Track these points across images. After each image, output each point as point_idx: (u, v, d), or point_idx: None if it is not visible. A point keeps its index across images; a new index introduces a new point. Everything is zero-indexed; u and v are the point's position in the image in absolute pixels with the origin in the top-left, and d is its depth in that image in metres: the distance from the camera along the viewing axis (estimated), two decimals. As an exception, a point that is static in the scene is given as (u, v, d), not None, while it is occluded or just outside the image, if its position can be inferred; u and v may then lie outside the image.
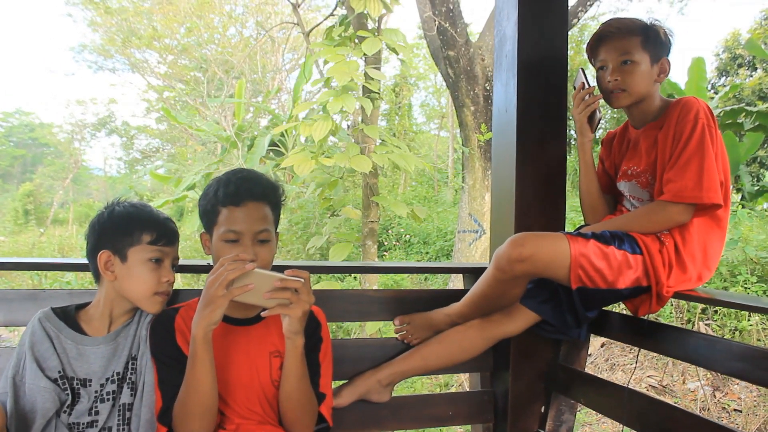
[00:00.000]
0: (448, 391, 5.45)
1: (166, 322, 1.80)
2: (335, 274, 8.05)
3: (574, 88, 2.27)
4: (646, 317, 2.07)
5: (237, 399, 1.78)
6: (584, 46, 2.33)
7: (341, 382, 2.29)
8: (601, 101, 2.24)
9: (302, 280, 1.59)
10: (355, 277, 8.11)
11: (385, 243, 11.66)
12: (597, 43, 2.19)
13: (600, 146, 2.48)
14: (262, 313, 1.60)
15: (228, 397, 1.77)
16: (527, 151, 2.37)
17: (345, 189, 11.60)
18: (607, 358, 6.55)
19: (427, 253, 11.28)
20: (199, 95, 19.84)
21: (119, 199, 1.86)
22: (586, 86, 2.21)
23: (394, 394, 2.34)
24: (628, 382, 5.78)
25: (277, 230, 1.87)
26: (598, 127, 2.28)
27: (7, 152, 30.78)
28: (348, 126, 7.28)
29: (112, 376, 1.75)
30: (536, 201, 2.38)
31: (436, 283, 9.58)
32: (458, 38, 6.99)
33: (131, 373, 1.77)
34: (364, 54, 4.97)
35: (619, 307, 4.46)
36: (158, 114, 24.04)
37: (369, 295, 2.42)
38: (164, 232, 1.79)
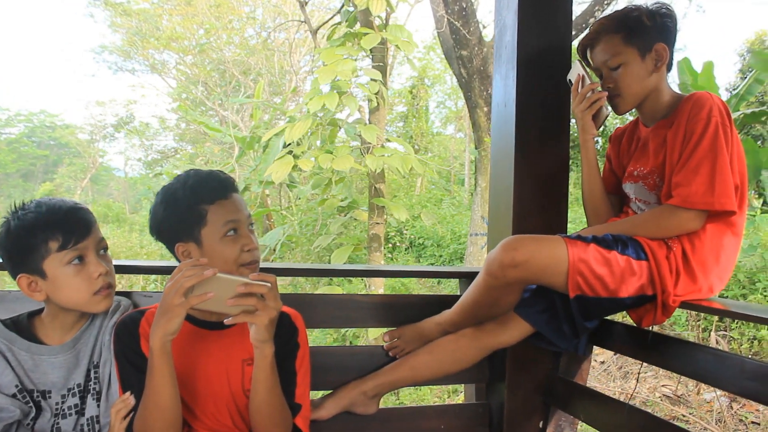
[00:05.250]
0: (440, 403, 5.32)
1: (131, 327, 1.67)
2: (340, 278, 7.97)
3: (570, 83, 2.11)
4: (651, 328, 1.91)
5: (206, 410, 1.67)
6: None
7: (326, 393, 2.17)
8: None
9: (268, 284, 1.47)
10: (362, 281, 7.99)
11: (399, 245, 11.53)
12: (584, 53, 2.07)
13: (608, 143, 2.33)
14: (226, 321, 1.47)
15: (196, 408, 1.66)
16: (527, 149, 2.22)
17: (359, 191, 11.52)
18: (620, 366, 6.39)
19: (440, 256, 11.15)
20: (218, 97, 19.90)
21: (17, 208, 1.64)
22: (587, 80, 2.06)
23: (382, 405, 2.21)
24: (631, 395, 5.63)
25: None
26: (605, 123, 2.13)
27: (30, 152, 31.04)
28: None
29: (74, 388, 1.65)
30: (536, 202, 2.23)
31: (449, 286, 9.43)
32: (471, 37, 6.85)
33: (94, 383, 1.67)
34: (371, 54, 4.87)
35: (623, 317, 4.31)
36: (177, 115, 24.15)
37: (357, 300, 2.28)
38: (70, 230, 1.61)
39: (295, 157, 5.08)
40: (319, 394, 2.21)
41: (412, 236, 12.04)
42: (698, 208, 1.80)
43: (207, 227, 1.64)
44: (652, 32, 1.96)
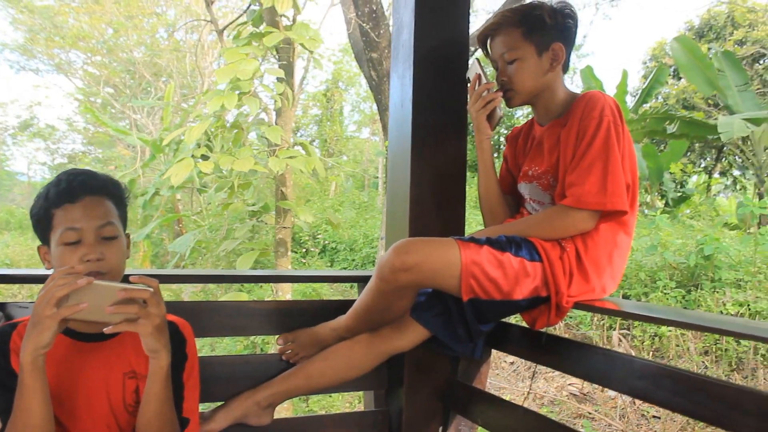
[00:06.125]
0: (337, 412, 5.27)
1: (0, 342, 1.54)
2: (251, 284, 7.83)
3: (468, 81, 2.09)
4: (545, 330, 1.89)
5: (82, 428, 1.54)
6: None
7: (217, 404, 2.06)
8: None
9: (151, 289, 1.38)
10: (271, 287, 7.87)
11: (313, 250, 11.43)
12: (483, 42, 2.05)
13: (505, 143, 2.31)
14: (105, 330, 1.36)
15: (72, 427, 1.53)
16: (424, 149, 2.18)
17: (274, 195, 11.34)
18: (529, 366, 6.49)
19: (353, 260, 11.10)
20: (127, 99, 19.32)
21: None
22: (483, 80, 2.03)
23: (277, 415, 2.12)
24: (525, 396, 5.72)
25: (127, 231, 1.64)
26: (499, 124, 2.11)
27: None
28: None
29: None
30: (433, 203, 2.19)
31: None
32: (380, 40, 6.82)
33: None
34: (277, 54, 4.77)
35: (520, 319, 4.36)
36: (86, 117, 23.28)
37: (250, 307, 2.18)
38: None
39: (205, 158, 4.94)
40: (211, 406, 2.11)
41: (325, 241, 11.95)
42: (591, 208, 1.79)
43: (53, 232, 1.53)
44: (552, 31, 1.95)
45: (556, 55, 1.95)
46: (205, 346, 8.25)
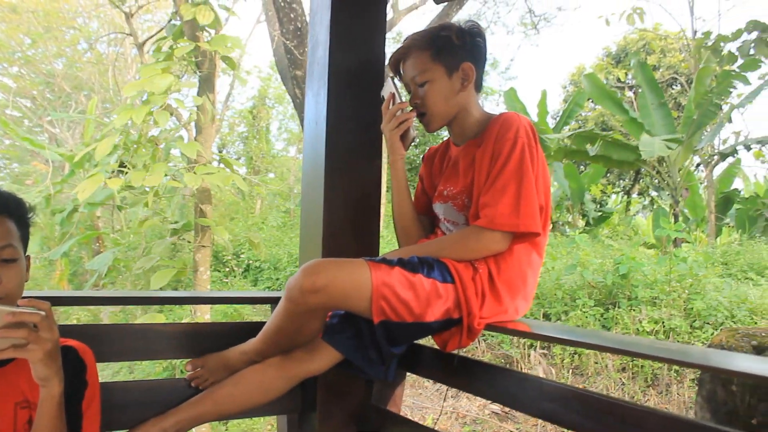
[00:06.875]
0: None
1: None
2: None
3: (383, 99, 2.06)
4: (456, 352, 1.87)
5: None
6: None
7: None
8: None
9: (42, 312, 1.28)
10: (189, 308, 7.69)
11: (236, 269, 11.22)
12: (396, 67, 2.04)
13: (422, 163, 2.30)
14: None
15: None
16: (338, 168, 2.14)
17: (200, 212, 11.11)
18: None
19: (277, 279, 10.96)
20: (45, 112, 18.69)
21: None
22: (398, 99, 2.01)
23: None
24: (437, 420, 5.72)
25: (27, 253, 1.54)
26: (413, 144, 2.09)
27: None
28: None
29: None
30: (347, 224, 2.15)
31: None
32: (303, 58, 6.78)
33: None
34: (198, 70, 4.67)
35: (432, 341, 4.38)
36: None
37: (157, 329, 2.09)
38: None
39: (119, 173, 4.79)
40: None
41: (249, 260, 11.76)
42: (504, 229, 1.79)
43: None
44: (461, 51, 1.95)
45: (466, 74, 1.95)
46: (122, 369, 8.00)
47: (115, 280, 8.63)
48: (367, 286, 1.72)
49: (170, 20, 5.65)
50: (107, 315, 9.34)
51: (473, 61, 1.97)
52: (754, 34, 6.59)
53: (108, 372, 7.77)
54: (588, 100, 16.48)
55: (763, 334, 3.19)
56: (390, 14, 11.34)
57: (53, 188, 6.71)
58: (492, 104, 22.02)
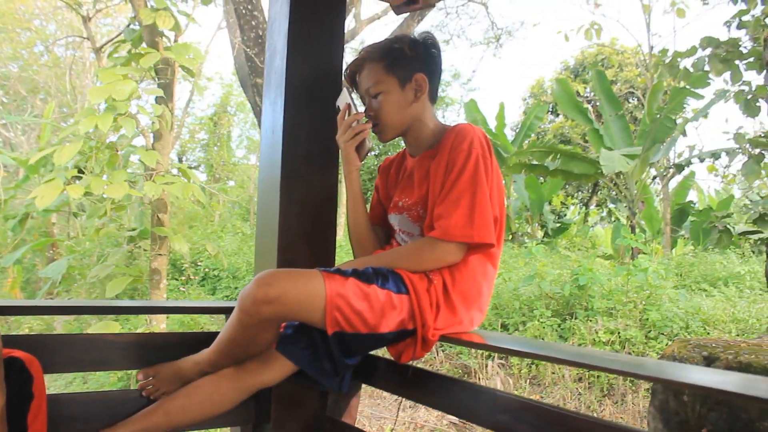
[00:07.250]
0: None
1: None
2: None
3: (338, 109, 2.06)
4: (411, 364, 1.87)
5: None
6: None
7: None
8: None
9: None
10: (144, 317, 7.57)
11: (193, 278, 11.09)
12: (352, 79, 2.06)
13: (377, 173, 2.30)
14: None
15: None
16: (293, 178, 2.13)
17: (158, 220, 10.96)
18: (410, 396, 6.46)
19: (236, 288, 10.84)
20: (0, 115, 18.33)
21: None
22: (353, 110, 2.01)
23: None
24: (393, 428, 5.72)
25: None
26: (368, 155, 2.08)
27: None
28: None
29: None
30: (303, 234, 2.14)
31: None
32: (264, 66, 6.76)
33: None
34: (157, 76, 4.62)
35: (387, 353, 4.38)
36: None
37: (107, 339, 2.05)
38: None
39: (77, 179, 4.70)
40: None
41: (207, 268, 11.63)
42: (458, 240, 1.79)
43: None
44: (414, 62, 1.96)
45: (420, 85, 1.96)
46: (76, 379, 7.83)
47: (70, 288, 8.48)
48: (321, 296, 1.71)
49: (129, 24, 5.58)
50: (61, 324, 9.16)
51: (427, 72, 1.98)
52: (708, 50, 6.75)
53: (61, 383, 7.59)
54: (547, 113, 16.70)
55: (714, 345, 3.25)
56: (352, 24, 11.36)
57: (5, 194, 6.55)
58: (453, 115, 22.24)
